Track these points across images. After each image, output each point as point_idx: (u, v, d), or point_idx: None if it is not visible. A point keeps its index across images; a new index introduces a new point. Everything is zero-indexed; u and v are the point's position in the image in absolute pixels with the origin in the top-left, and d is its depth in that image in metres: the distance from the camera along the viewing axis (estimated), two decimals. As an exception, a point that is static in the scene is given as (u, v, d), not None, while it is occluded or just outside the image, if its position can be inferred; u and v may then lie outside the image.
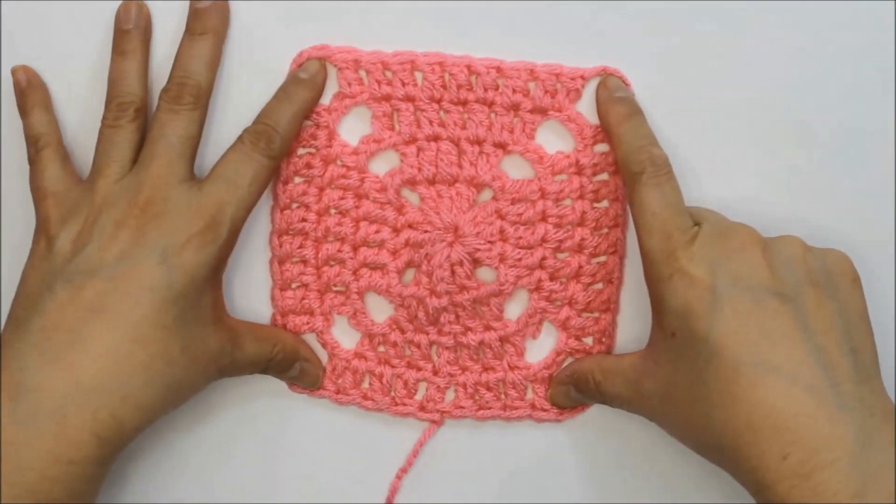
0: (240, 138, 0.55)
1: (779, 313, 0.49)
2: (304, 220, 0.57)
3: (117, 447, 0.51)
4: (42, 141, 0.56)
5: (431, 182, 0.56)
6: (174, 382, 0.52)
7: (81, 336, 0.50)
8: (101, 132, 0.55)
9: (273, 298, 0.58)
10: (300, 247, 0.57)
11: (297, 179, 0.57)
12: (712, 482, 0.57)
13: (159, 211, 0.52)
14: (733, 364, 0.48)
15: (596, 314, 0.57)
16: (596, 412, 0.58)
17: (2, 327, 0.57)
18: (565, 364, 0.58)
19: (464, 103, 0.56)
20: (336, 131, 0.57)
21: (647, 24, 0.55)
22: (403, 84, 0.56)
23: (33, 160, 0.56)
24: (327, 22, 0.56)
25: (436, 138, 0.56)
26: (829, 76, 0.55)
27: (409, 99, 0.56)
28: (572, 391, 0.56)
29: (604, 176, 0.56)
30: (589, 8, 0.55)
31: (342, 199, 0.57)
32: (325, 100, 0.56)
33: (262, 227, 0.58)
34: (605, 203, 0.56)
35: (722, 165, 0.56)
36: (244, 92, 0.56)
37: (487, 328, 0.57)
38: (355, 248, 0.57)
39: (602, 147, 0.56)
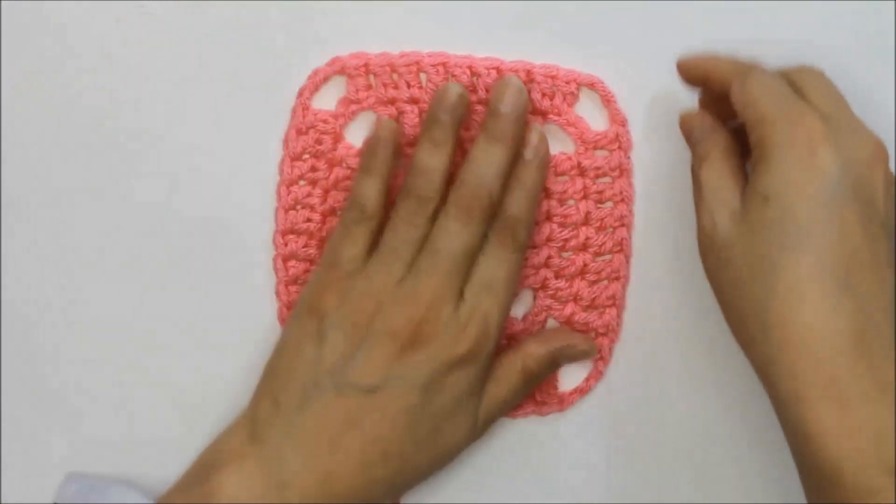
0: (489, 239, 0.53)
1: (878, 240, 0.47)
2: (308, 220, 0.57)
3: None
4: (366, 214, 0.53)
5: (436, 183, 0.56)
6: (412, 485, 0.54)
7: (339, 445, 0.51)
8: (393, 222, 0.53)
9: (278, 294, 0.58)
10: (305, 246, 0.57)
11: (302, 182, 0.57)
12: (726, 475, 0.57)
13: (431, 332, 0.51)
14: (818, 270, 0.46)
15: (600, 309, 0.58)
16: (601, 411, 0.58)
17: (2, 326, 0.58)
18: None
19: (467, 104, 0.56)
20: (342, 135, 0.57)
21: (648, 24, 0.55)
22: (409, 86, 0.56)
23: (347, 227, 0.54)
24: (331, 23, 0.56)
25: (440, 140, 0.56)
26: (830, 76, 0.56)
27: (414, 101, 0.56)
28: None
29: (607, 179, 0.56)
30: (591, 7, 0.56)
31: (346, 200, 0.56)
32: (332, 106, 0.57)
33: (261, 224, 0.58)
34: (609, 204, 0.57)
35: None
36: (252, 100, 0.57)
37: (494, 327, 0.57)
38: (361, 249, 0.57)
39: (602, 153, 0.56)
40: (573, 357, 0.56)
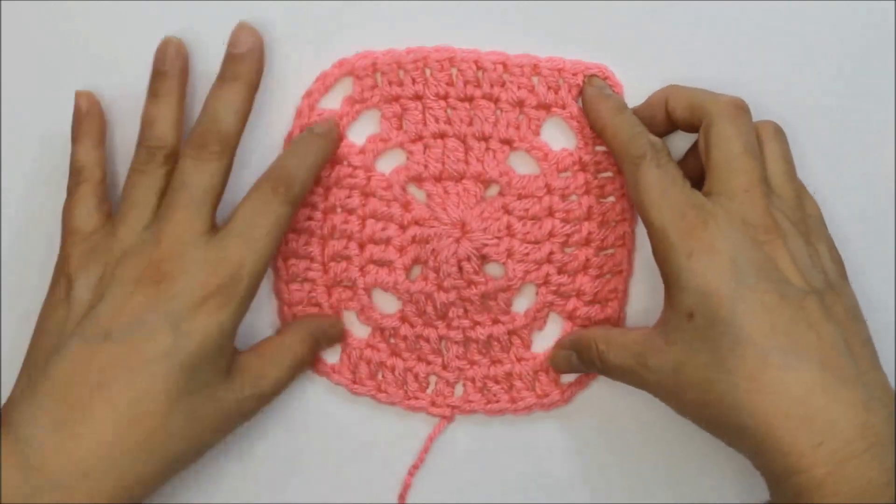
0: (257, 186, 0.53)
1: (806, 304, 0.49)
2: (309, 218, 0.57)
3: None
4: (84, 175, 0.54)
5: (438, 179, 0.56)
6: (176, 453, 0.51)
7: (86, 411, 0.49)
8: (128, 176, 0.54)
9: (279, 292, 0.58)
10: (306, 244, 0.57)
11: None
12: (724, 470, 0.58)
13: (175, 269, 0.51)
14: (762, 352, 0.48)
15: (603, 303, 0.58)
16: (607, 408, 0.58)
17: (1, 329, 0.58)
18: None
19: (470, 99, 0.56)
20: (344, 133, 0.56)
21: (651, 21, 0.55)
22: (413, 82, 0.56)
23: (71, 192, 0.55)
24: (334, 20, 0.56)
25: (442, 135, 0.56)
26: (829, 76, 0.56)
27: (418, 97, 0.56)
28: (574, 358, 0.56)
29: (608, 174, 0.56)
30: (592, 6, 0.55)
31: (348, 197, 0.56)
32: (336, 104, 0.56)
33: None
34: (611, 199, 0.57)
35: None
36: (260, 105, 0.56)
37: (496, 322, 0.57)
38: (361, 246, 0.57)
39: (604, 147, 0.56)
40: (330, 337, 0.57)
